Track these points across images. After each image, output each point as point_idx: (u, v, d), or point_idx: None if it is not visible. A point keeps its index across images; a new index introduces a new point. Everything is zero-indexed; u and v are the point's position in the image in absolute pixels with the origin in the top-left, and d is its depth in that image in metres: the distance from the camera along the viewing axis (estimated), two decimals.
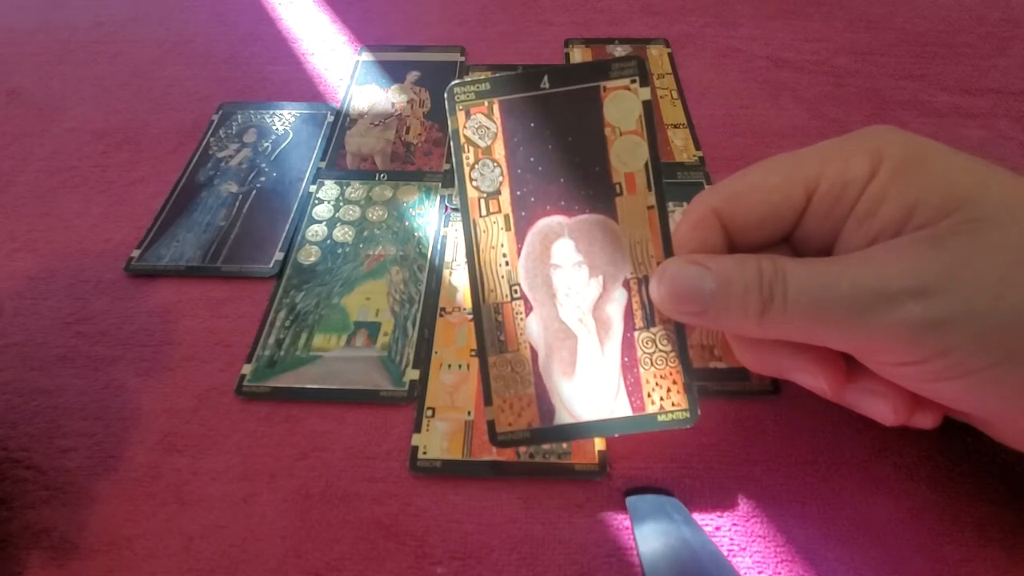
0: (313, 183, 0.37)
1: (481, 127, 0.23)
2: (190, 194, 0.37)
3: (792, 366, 0.22)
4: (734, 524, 0.24)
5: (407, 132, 0.40)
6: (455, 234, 0.34)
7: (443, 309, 0.31)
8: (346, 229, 0.35)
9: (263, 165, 0.38)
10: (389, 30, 0.48)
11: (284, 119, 0.41)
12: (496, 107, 0.22)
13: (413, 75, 0.43)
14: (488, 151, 0.23)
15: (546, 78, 0.22)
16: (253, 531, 0.25)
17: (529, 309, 0.23)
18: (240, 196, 0.37)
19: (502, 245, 0.23)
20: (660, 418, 0.22)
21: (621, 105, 0.22)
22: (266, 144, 0.39)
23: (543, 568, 0.24)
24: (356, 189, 0.37)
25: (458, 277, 0.32)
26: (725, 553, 0.24)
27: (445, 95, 0.22)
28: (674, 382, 0.22)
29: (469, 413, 0.27)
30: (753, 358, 0.23)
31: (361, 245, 0.34)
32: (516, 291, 0.23)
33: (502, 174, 0.23)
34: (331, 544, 0.24)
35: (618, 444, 0.26)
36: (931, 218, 0.19)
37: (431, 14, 0.49)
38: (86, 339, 0.31)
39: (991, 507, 0.24)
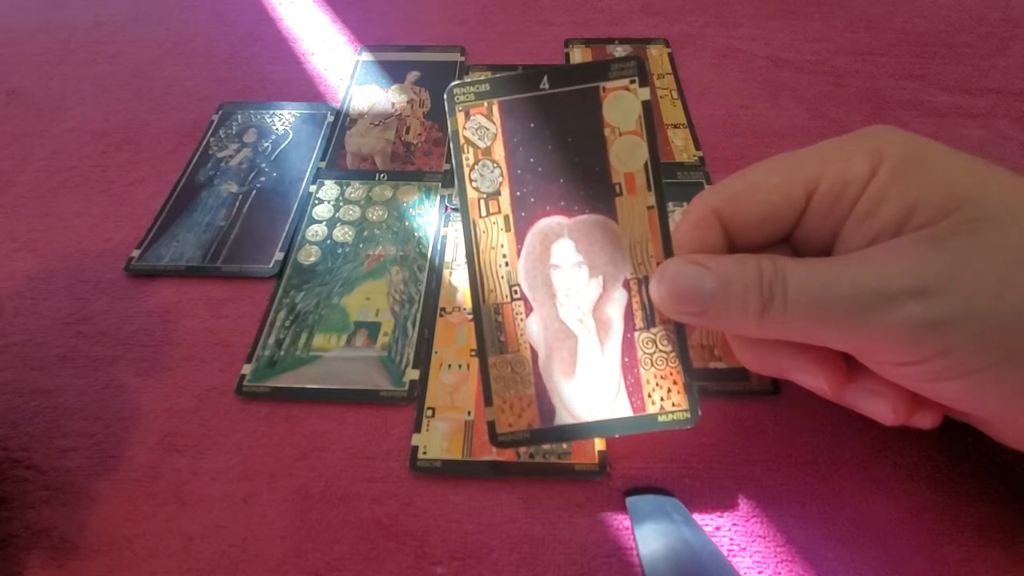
0: (313, 183, 0.37)
1: (481, 128, 0.23)
2: (190, 194, 0.37)
3: (792, 366, 0.22)
4: (734, 524, 0.24)
5: (407, 132, 0.40)
6: (455, 234, 0.34)
7: (443, 309, 0.31)
8: (346, 229, 0.35)
9: (263, 165, 0.38)
10: (389, 30, 0.48)
11: (284, 119, 0.41)
12: (495, 108, 0.22)
13: (413, 75, 0.43)
14: (488, 152, 0.23)
15: (545, 79, 0.22)
16: (253, 531, 0.25)
17: (529, 310, 0.23)
18: (240, 196, 0.37)
19: (502, 246, 0.23)
20: (660, 419, 0.22)
21: (620, 105, 0.22)
22: (266, 144, 0.39)
23: (543, 568, 0.24)
24: (356, 189, 0.37)
25: (458, 277, 0.32)
26: (725, 553, 0.24)
27: (444, 96, 0.22)
28: (674, 382, 0.22)
29: (469, 413, 0.27)
30: (753, 358, 0.23)
31: (361, 245, 0.34)
32: (516, 291, 0.23)
33: (502, 175, 0.23)
34: (331, 544, 0.24)
35: (618, 444, 0.26)
36: (931, 218, 0.19)
37: (431, 14, 0.49)
38: (86, 339, 0.31)
39: (991, 507, 0.24)
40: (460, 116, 0.23)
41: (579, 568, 0.23)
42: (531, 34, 0.47)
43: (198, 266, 0.33)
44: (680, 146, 0.38)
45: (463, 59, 0.45)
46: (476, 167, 0.23)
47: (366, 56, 0.45)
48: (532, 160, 0.23)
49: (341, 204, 0.36)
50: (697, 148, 0.38)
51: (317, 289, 0.32)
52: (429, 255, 0.33)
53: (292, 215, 0.35)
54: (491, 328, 0.23)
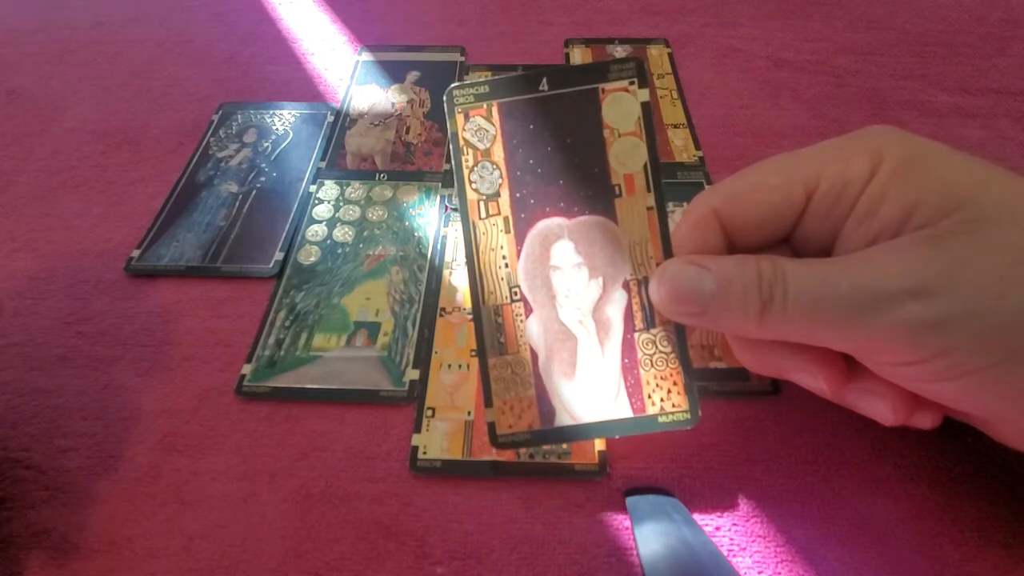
0: (313, 183, 0.37)
1: (480, 129, 0.23)
2: (190, 194, 0.37)
3: (792, 366, 0.22)
4: (734, 524, 0.24)
5: (407, 132, 0.40)
6: (455, 234, 0.34)
7: (443, 309, 0.31)
8: (346, 229, 0.35)
9: (263, 165, 0.38)
10: (389, 30, 0.48)
11: (284, 119, 0.41)
12: (495, 109, 0.22)
13: (413, 75, 0.43)
14: (487, 153, 0.23)
15: (544, 80, 0.22)
16: (253, 531, 0.25)
17: (529, 311, 0.23)
18: (240, 196, 0.37)
19: (502, 247, 0.23)
20: (661, 419, 0.22)
21: (620, 107, 0.22)
22: (266, 144, 0.39)
23: (543, 568, 0.24)
24: (356, 189, 0.37)
25: (458, 277, 0.32)
26: (725, 553, 0.24)
27: (444, 98, 0.22)
28: (675, 383, 0.22)
29: (469, 413, 0.27)
30: (753, 358, 0.23)
31: (361, 245, 0.34)
32: (516, 293, 0.23)
33: (501, 176, 0.23)
34: (331, 544, 0.24)
35: (618, 444, 0.26)
36: (931, 218, 0.19)
37: (431, 14, 0.49)
38: (86, 339, 0.31)
39: (991, 507, 0.24)
40: (459, 118, 0.23)
41: (579, 568, 0.23)
42: (531, 34, 0.47)
43: (198, 266, 0.33)
44: (680, 146, 0.38)
45: (463, 59, 0.45)
46: (476, 169, 0.23)
47: (366, 56, 0.45)
48: (531, 162, 0.23)
49: (341, 204, 0.36)
50: (697, 148, 0.38)
51: (317, 289, 0.32)
52: (429, 255, 0.33)
53: (292, 215, 0.35)
54: (491, 329, 0.23)
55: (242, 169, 0.38)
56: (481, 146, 0.23)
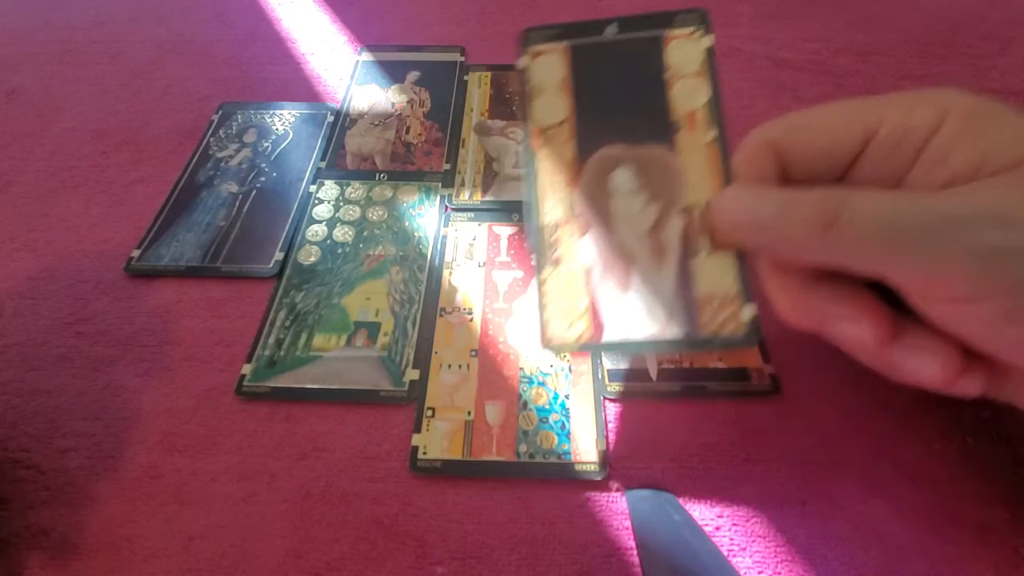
0: (313, 183, 0.37)
1: (549, 67, 0.25)
2: (190, 194, 0.37)
3: (836, 313, 0.21)
4: (734, 524, 0.24)
5: (407, 132, 0.40)
6: (455, 234, 0.34)
7: (443, 309, 0.31)
8: (346, 229, 0.35)
9: (263, 165, 0.38)
10: (389, 30, 0.48)
11: (284, 119, 0.41)
12: (564, 50, 0.24)
13: (413, 75, 0.43)
14: (553, 90, 0.24)
15: (614, 25, 0.24)
16: (253, 531, 0.25)
17: (585, 230, 0.23)
18: (240, 196, 0.37)
19: (561, 172, 0.24)
20: (716, 338, 0.22)
21: (683, 51, 0.24)
22: (266, 144, 0.39)
23: (543, 568, 0.24)
24: (356, 189, 0.37)
25: (458, 277, 0.32)
26: (725, 553, 0.24)
27: (519, 37, 0.24)
28: (732, 304, 0.22)
29: (469, 413, 0.27)
30: (793, 305, 0.22)
31: (361, 245, 0.34)
32: (573, 213, 0.24)
33: (566, 110, 0.24)
34: (331, 544, 0.24)
35: (618, 444, 0.27)
36: (1005, 166, 0.19)
37: (431, 14, 0.49)
38: (86, 339, 0.31)
39: (991, 507, 0.24)
40: (531, 56, 0.25)
41: (579, 568, 0.24)
42: None
43: (198, 266, 0.33)
44: None
45: (463, 59, 0.45)
46: (541, 102, 0.24)
47: (366, 56, 0.45)
48: (596, 99, 0.24)
49: (341, 204, 0.36)
50: None
51: (317, 289, 0.32)
52: (429, 255, 0.33)
53: (292, 215, 0.35)
54: (546, 245, 0.23)
55: (242, 169, 0.38)
56: (549, 82, 0.24)
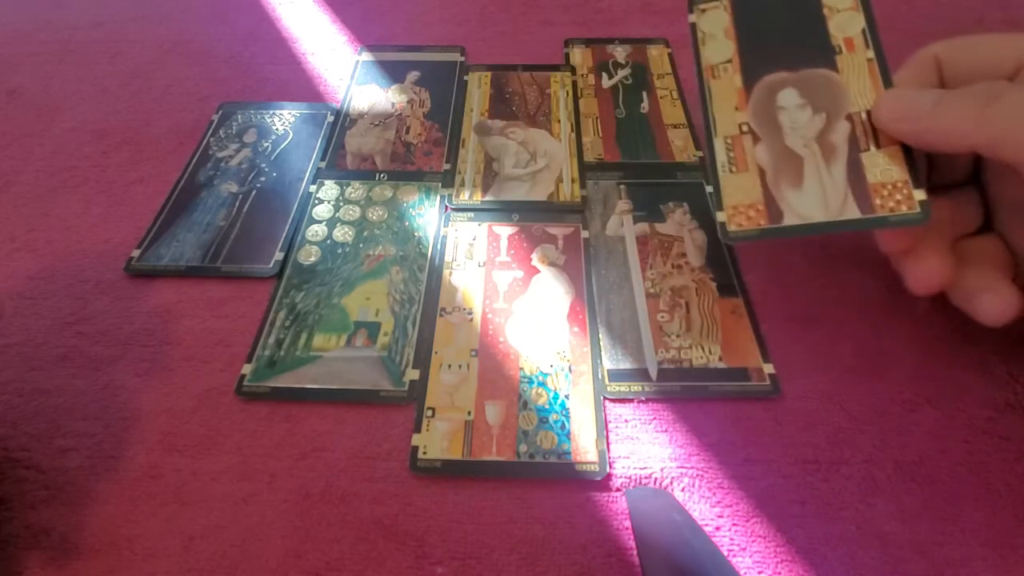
0: (313, 183, 0.37)
1: (715, 18, 0.30)
2: (190, 194, 0.37)
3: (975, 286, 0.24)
4: (734, 524, 0.24)
5: (407, 132, 0.40)
6: (455, 234, 0.34)
7: (443, 309, 0.31)
8: (346, 229, 0.35)
9: (263, 165, 0.38)
10: (389, 30, 0.48)
11: (284, 119, 0.41)
12: (727, 5, 0.30)
13: (413, 75, 0.43)
14: (720, 36, 0.29)
15: None
16: (253, 531, 0.25)
17: (757, 140, 0.27)
18: (240, 196, 0.37)
19: (732, 96, 0.28)
20: (891, 217, 0.24)
21: None
22: (266, 144, 0.39)
23: (543, 568, 0.24)
24: (356, 189, 0.37)
25: (458, 277, 0.32)
26: (725, 553, 0.24)
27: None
28: (903, 188, 0.24)
29: (469, 413, 0.27)
30: (941, 262, 0.25)
31: (361, 245, 0.34)
32: (745, 128, 0.28)
33: (732, 49, 0.29)
34: (331, 544, 0.24)
35: (618, 444, 0.27)
36: None
37: (431, 14, 0.49)
38: (86, 339, 0.31)
39: (991, 507, 0.24)
40: (698, 13, 0.31)
41: (579, 568, 0.24)
42: (531, 34, 0.47)
43: (198, 266, 0.33)
44: (680, 146, 0.38)
45: (463, 59, 0.45)
46: (709, 46, 0.30)
47: (366, 56, 0.45)
48: (759, 40, 0.29)
49: (341, 204, 0.36)
50: (697, 148, 0.38)
51: (317, 289, 0.32)
52: (429, 255, 0.33)
53: (292, 215, 0.35)
54: (723, 152, 0.28)
55: (242, 169, 0.38)
56: (715, 31, 0.30)
